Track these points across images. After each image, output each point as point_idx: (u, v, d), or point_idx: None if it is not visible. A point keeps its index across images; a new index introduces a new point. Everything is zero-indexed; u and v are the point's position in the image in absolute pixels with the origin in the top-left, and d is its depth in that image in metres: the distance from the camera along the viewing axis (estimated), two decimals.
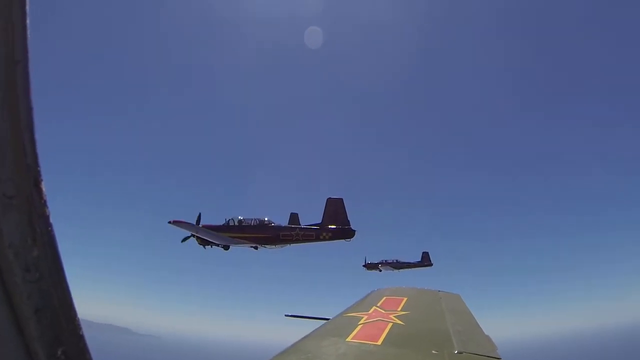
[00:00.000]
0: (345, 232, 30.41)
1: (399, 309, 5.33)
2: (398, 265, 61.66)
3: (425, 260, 62.75)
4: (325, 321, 5.52)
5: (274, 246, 31.26)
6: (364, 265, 59.87)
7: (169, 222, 27.21)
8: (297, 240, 30.63)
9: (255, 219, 31.51)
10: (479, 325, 5.02)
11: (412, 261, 62.47)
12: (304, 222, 33.01)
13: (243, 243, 30.74)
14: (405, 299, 5.81)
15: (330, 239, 30.57)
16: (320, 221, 30.93)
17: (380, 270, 60.90)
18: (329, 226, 30.19)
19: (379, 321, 4.83)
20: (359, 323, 4.78)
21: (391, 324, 4.71)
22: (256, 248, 31.59)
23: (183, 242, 31.16)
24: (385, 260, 61.23)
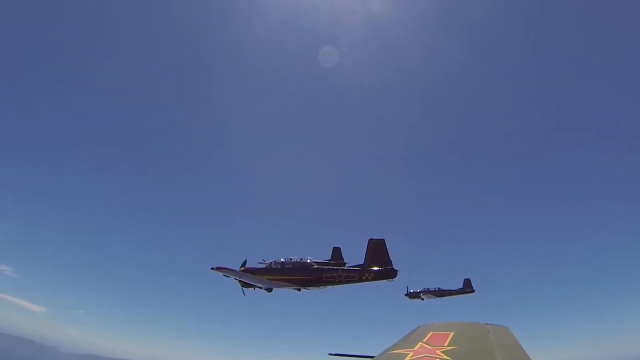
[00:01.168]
0: (388, 273, 29.93)
1: (446, 344, 5.17)
2: (440, 293, 60.81)
3: (467, 287, 61.64)
4: (370, 359, 5.55)
5: (316, 288, 31.20)
6: (406, 295, 59.51)
7: (212, 269, 28.02)
8: (340, 282, 30.39)
9: (297, 260, 31.63)
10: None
11: (454, 288, 61.49)
12: (345, 254, 33.24)
13: (285, 286, 30.85)
14: (451, 333, 5.61)
15: (373, 279, 30.18)
16: (362, 261, 30.71)
17: (422, 299, 60.12)
18: (372, 267, 29.93)
19: (425, 357, 4.74)
20: None
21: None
22: (299, 290, 31.63)
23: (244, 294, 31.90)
24: (427, 289, 60.54)
